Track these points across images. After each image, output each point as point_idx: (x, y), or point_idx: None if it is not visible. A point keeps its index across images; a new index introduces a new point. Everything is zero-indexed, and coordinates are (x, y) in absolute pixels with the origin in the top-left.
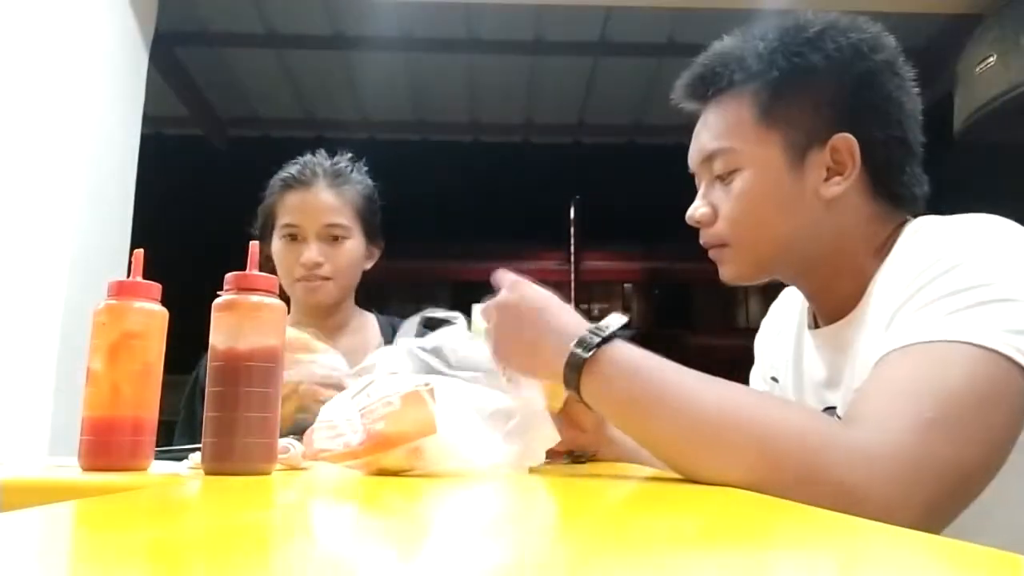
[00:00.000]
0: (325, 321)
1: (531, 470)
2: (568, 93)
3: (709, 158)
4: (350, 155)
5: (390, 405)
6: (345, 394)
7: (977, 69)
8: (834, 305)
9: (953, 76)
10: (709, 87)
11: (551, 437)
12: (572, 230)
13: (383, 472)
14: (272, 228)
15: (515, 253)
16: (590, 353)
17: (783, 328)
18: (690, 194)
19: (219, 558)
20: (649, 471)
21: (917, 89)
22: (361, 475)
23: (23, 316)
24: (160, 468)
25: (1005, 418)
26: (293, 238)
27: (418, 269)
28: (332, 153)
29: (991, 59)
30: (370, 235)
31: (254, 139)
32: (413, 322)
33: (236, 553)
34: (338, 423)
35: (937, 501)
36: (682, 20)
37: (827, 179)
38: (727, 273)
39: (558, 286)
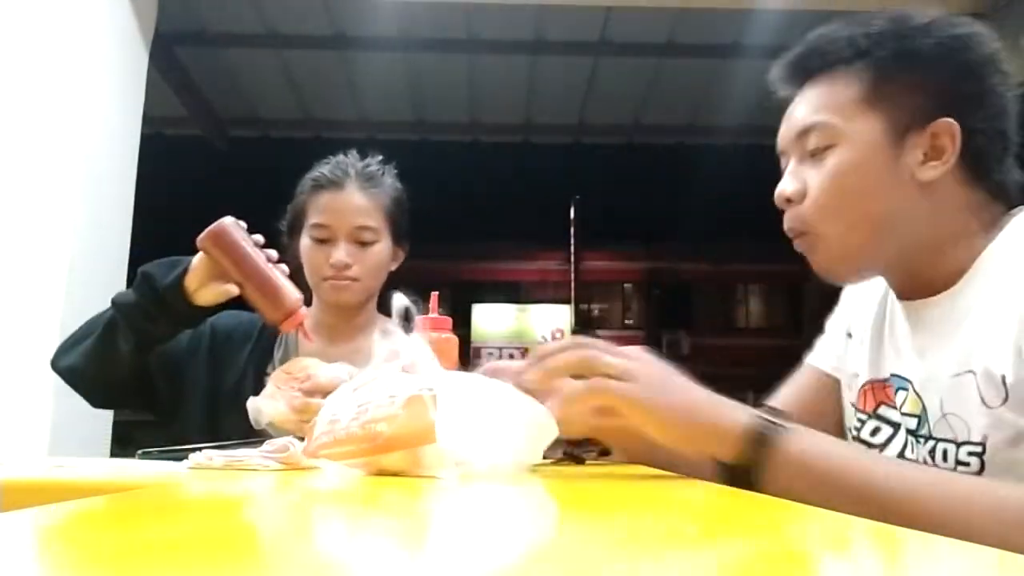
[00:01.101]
0: (348, 322)
1: (531, 470)
2: (568, 93)
3: (803, 133)
4: (380, 157)
5: (393, 407)
6: (348, 387)
7: None
8: (921, 285)
9: None
10: (813, 66)
11: (551, 430)
12: (572, 230)
13: (383, 472)
14: (301, 227)
15: (515, 253)
16: (779, 436)
17: (871, 288)
18: (690, 194)
19: (218, 558)
20: (648, 471)
21: (1019, 90)
22: (361, 475)
23: (23, 316)
24: (160, 468)
25: None
26: (322, 239)
27: (418, 269)
28: (363, 155)
29: None
30: (397, 237)
31: (254, 139)
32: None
33: (236, 553)
34: (340, 418)
35: None
36: (682, 20)
37: (924, 162)
38: (817, 263)
39: (558, 286)
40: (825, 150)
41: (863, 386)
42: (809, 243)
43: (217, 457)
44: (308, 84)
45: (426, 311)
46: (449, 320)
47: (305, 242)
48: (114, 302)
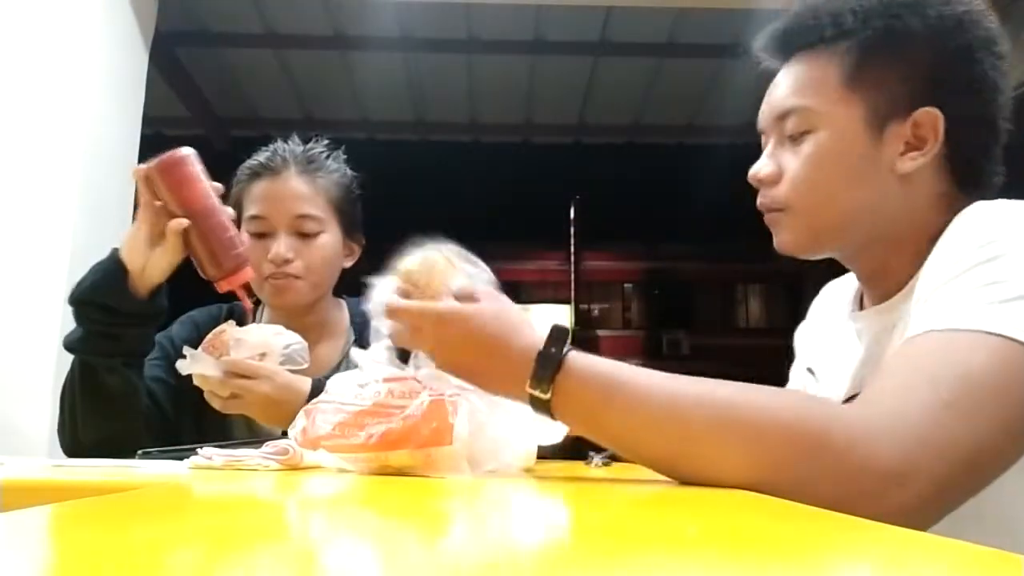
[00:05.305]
0: (299, 321)
1: (529, 470)
2: (568, 93)
3: (783, 116)
4: (327, 142)
5: (412, 408)
6: (352, 380)
7: None
8: (886, 288)
9: None
10: (796, 42)
11: (558, 433)
12: (572, 230)
13: (386, 470)
14: (238, 223)
15: (515, 253)
16: (554, 372)
17: (824, 320)
18: (690, 194)
19: (218, 558)
20: (648, 472)
21: (1010, 74)
22: (360, 475)
23: (23, 317)
24: (160, 468)
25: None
26: (261, 232)
27: None
28: (307, 140)
29: None
30: (348, 229)
31: (255, 139)
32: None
33: (235, 553)
34: (345, 410)
35: (945, 478)
36: (682, 20)
37: (904, 153)
38: (782, 240)
39: (558, 286)
40: (803, 135)
41: None
42: (777, 220)
43: (217, 457)
44: (308, 84)
45: None
46: None
47: (243, 238)
48: (70, 348)
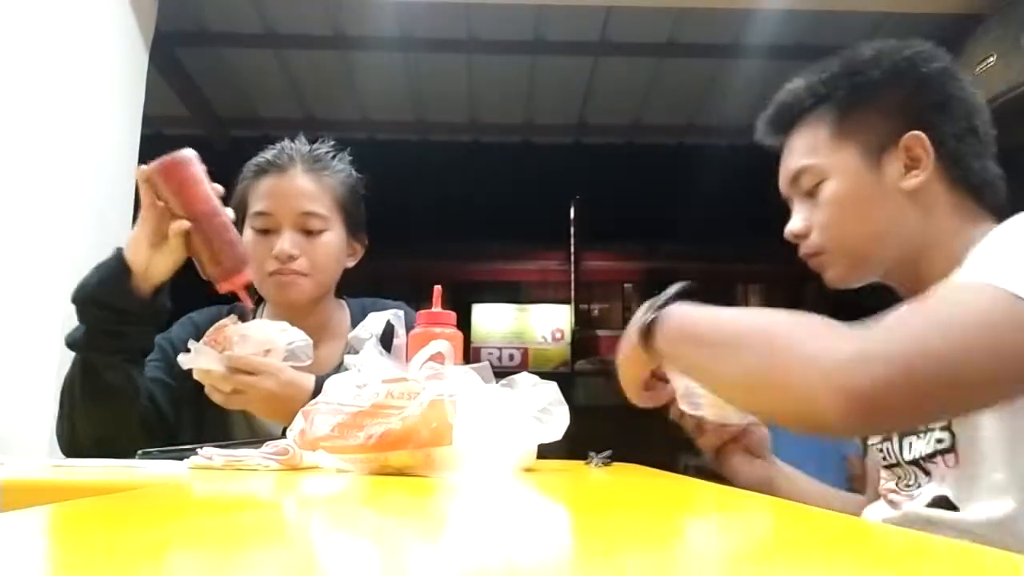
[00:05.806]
0: (301, 321)
1: (529, 470)
2: (568, 93)
3: (796, 177)
4: (332, 142)
5: (409, 407)
6: (350, 381)
7: (977, 69)
8: (923, 281)
9: None
10: (785, 120)
11: (566, 416)
12: (572, 230)
13: (385, 469)
14: (242, 220)
15: (515, 253)
16: (650, 319)
17: None
18: (690, 194)
19: (218, 558)
20: (648, 472)
21: (978, 92)
22: (359, 475)
23: (24, 317)
24: (160, 468)
25: (1018, 346)
26: (265, 228)
27: (418, 269)
28: (313, 140)
29: (991, 59)
30: (352, 229)
31: (255, 139)
32: (381, 318)
33: (235, 553)
34: (343, 411)
35: (927, 389)
36: (682, 20)
37: (905, 173)
38: (829, 278)
39: (558, 286)
40: (817, 186)
41: None
42: (820, 263)
43: (217, 457)
44: (308, 84)
45: (429, 307)
46: (452, 315)
47: (247, 235)
48: (72, 346)
